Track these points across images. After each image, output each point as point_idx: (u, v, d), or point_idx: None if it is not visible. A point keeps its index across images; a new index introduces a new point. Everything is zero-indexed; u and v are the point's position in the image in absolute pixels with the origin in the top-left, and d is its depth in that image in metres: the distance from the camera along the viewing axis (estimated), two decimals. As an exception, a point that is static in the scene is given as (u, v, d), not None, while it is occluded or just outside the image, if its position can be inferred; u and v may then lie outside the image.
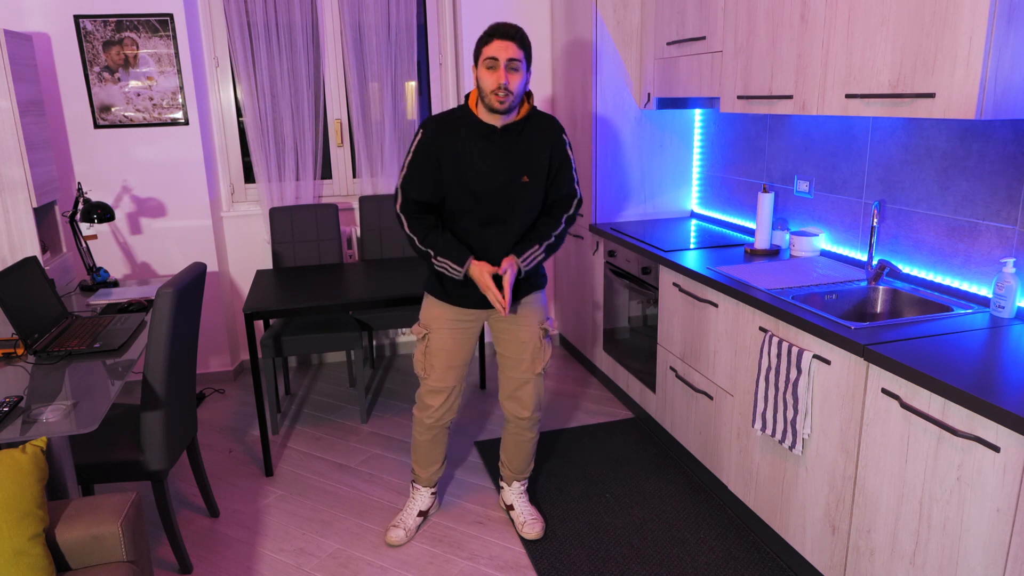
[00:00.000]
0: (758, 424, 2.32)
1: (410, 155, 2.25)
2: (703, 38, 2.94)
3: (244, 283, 4.10)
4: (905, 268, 2.47)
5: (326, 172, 4.14)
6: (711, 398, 2.70)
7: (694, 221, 3.70)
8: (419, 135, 2.24)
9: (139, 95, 3.57)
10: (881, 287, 2.40)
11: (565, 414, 3.53)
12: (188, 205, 3.76)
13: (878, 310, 2.41)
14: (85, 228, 3.65)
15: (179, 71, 3.58)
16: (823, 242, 2.87)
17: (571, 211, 2.36)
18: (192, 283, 2.31)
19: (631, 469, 2.99)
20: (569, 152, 2.34)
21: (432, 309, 2.40)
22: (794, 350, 2.14)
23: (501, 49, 2.10)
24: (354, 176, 4.17)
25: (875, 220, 2.47)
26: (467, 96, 2.26)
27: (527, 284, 2.38)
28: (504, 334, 2.44)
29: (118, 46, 3.50)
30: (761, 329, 2.33)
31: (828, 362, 2.04)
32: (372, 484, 2.94)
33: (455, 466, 3.06)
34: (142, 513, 1.84)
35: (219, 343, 3.99)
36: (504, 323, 2.42)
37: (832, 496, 2.08)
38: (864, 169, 2.61)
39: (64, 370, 2.15)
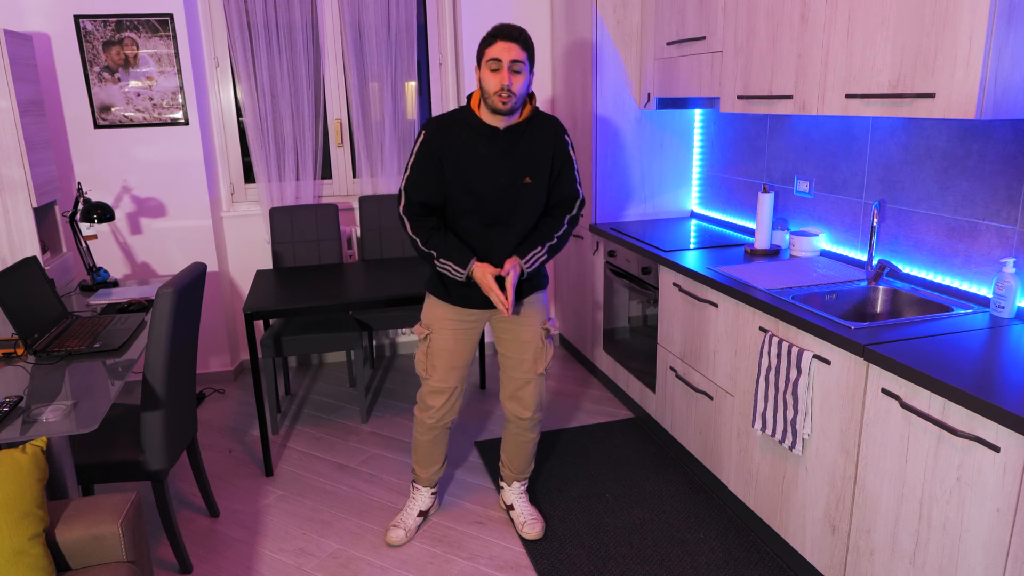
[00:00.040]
0: (758, 424, 2.32)
1: (413, 157, 2.25)
2: (703, 38, 2.94)
3: (244, 283, 4.10)
4: (905, 268, 2.48)
5: (326, 172, 4.14)
6: (711, 398, 2.70)
7: (694, 221, 3.70)
8: (421, 136, 2.24)
9: (139, 95, 3.57)
10: (881, 287, 2.40)
11: (565, 414, 3.53)
12: (188, 205, 3.76)
13: (878, 310, 2.41)
14: (85, 228, 3.65)
15: (179, 71, 3.58)
16: (823, 242, 2.87)
17: (574, 211, 2.36)
18: (192, 283, 2.31)
19: (631, 469, 2.99)
20: (571, 153, 2.34)
21: (434, 309, 2.40)
22: (794, 350, 2.14)
23: (504, 50, 2.10)
24: (354, 176, 4.17)
25: (875, 220, 2.47)
26: (469, 97, 2.26)
27: (529, 284, 2.38)
28: (506, 334, 2.44)
29: (118, 46, 3.50)
30: (761, 329, 2.33)
31: (828, 362, 2.04)
32: (372, 484, 2.94)
33: (455, 466, 3.06)
34: (142, 513, 1.84)
35: (219, 343, 3.99)
36: (506, 323, 2.42)
37: (832, 496, 2.08)
38: (864, 169, 2.61)
39: (64, 370, 2.15)
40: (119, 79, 3.54)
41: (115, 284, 3.17)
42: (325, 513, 2.74)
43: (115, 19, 3.47)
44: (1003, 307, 2.03)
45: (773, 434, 2.26)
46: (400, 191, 2.28)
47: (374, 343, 4.36)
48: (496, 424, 3.45)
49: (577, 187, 2.36)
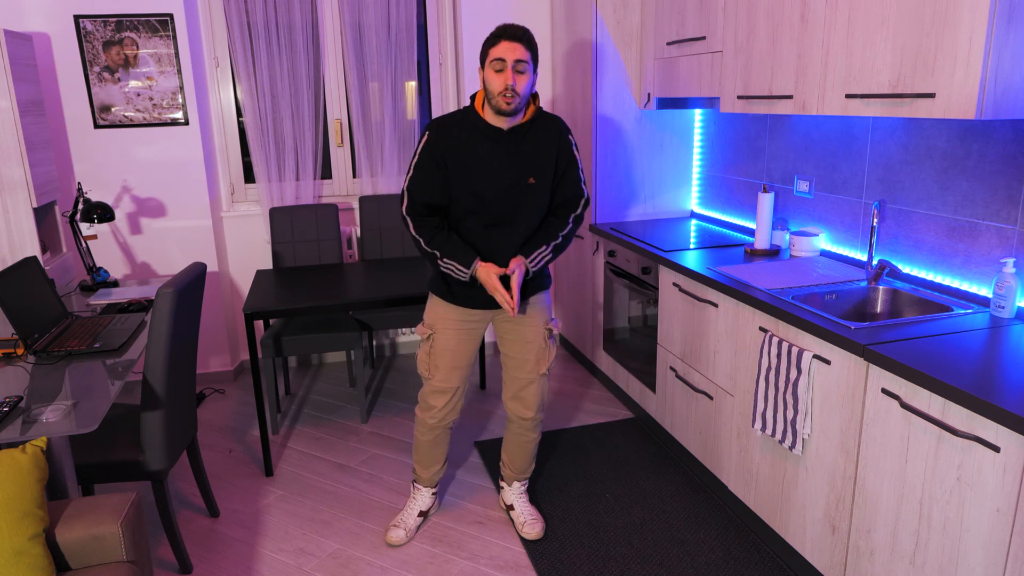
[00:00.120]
0: (758, 424, 2.32)
1: (416, 157, 2.25)
2: (703, 38, 2.94)
3: (244, 283, 4.10)
4: (905, 268, 2.48)
5: (326, 172, 4.14)
6: (711, 398, 2.70)
7: (694, 221, 3.70)
8: (425, 137, 2.24)
9: (139, 95, 3.57)
10: (881, 287, 2.40)
11: (565, 414, 3.53)
12: (188, 205, 3.76)
13: (878, 310, 2.41)
14: (85, 228, 3.65)
15: (179, 71, 3.58)
16: (823, 242, 2.87)
17: (578, 211, 2.35)
18: (192, 283, 2.31)
19: (631, 469, 2.99)
20: (575, 153, 2.33)
21: (437, 309, 2.40)
22: (794, 350, 2.14)
23: (508, 50, 2.09)
24: (354, 176, 4.18)
25: (875, 220, 2.47)
26: (472, 97, 2.26)
27: (533, 284, 2.38)
28: (509, 334, 2.44)
29: (118, 46, 3.50)
30: (761, 329, 2.33)
31: (828, 362, 2.04)
32: (372, 484, 2.94)
33: (455, 466, 3.06)
34: (142, 513, 1.84)
35: (219, 343, 3.99)
36: (509, 323, 2.42)
37: (832, 496, 2.08)
38: (864, 169, 2.61)
39: (64, 370, 2.15)
40: (119, 79, 3.54)
41: (115, 284, 3.17)
42: (325, 513, 2.74)
43: (115, 19, 3.47)
44: (1003, 307, 2.03)
45: (773, 434, 2.26)
46: (403, 191, 2.28)
47: (374, 343, 4.36)
48: (496, 424, 3.45)
49: (582, 187, 2.35)
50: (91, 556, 1.72)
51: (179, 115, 3.64)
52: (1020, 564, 1.52)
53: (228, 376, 4.05)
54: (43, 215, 3.31)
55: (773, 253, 2.92)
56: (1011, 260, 2.01)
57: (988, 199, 2.15)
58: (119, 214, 3.70)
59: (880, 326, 2.00)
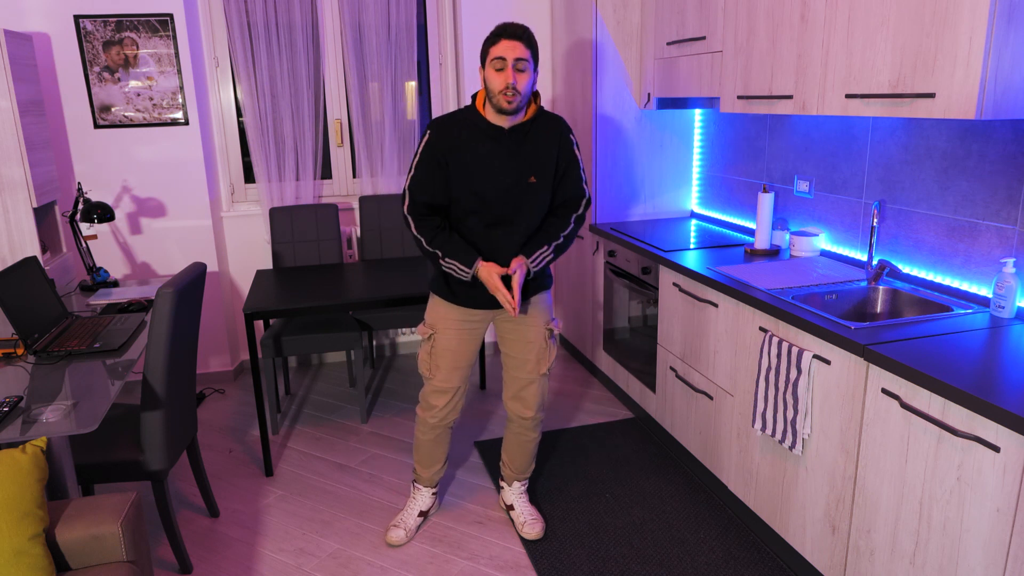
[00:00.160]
0: (758, 424, 2.32)
1: (417, 156, 2.25)
2: (703, 38, 2.94)
3: (244, 283, 4.10)
4: (905, 268, 2.48)
5: (326, 172, 4.14)
6: (711, 398, 2.70)
7: (694, 221, 3.70)
8: (426, 136, 2.24)
9: (139, 95, 3.58)
10: (881, 287, 2.40)
11: (565, 414, 3.53)
12: (188, 205, 3.76)
13: (878, 310, 2.41)
14: (85, 228, 3.65)
15: (179, 71, 3.58)
16: (823, 242, 2.87)
17: (580, 211, 2.35)
18: (192, 283, 2.31)
19: (631, 469, 2.99)
20: (576, 152, 2.33)
21: (438, 309, 2.40)
22: (794, 350, 2.14)
23: (508, 49, 2.10)
24: (354, 176, 4.18)
25: (875, 220, 2.47)
26: (473, 97, 2.26)
27: (534, 284, 2.38)
28: (510, 334, 2.44)
29: (118, 46, 3.50)
30: (761, 329, 2.33)
31: (828, 362, 2.04)
32: (372, 484, 2.94)
33: (455, 466, 3.06)
34: (142, 513, 1.84)
35: (219, 343, 3.99)
36: (510, 323, 2.42)
37: (832, 496, 2.08)
38: (864, 169, 2.61)
39: (64, 370, 2.15)
40: (119, 79, 3.54)
41: (115, 284, 3.17)
42: (325, 513, 2.74)
43: (115, 19, 3.47)
44: (1003, 307, 2.03)
45: (773, 434, 2.26)
46: (404, 191, 2.28)
47: (374, 343, 4.36)
48: (496, 424, 3.45)
49: (583, 186, 2.35)
50: (91, 556, 1.72)
51: (179, 115, 3.64)
52: (1020, 564, 1.52)
53: (228, 376, 4.05)
54: (43, 215, 3.31)
55: (773, 253, 2.92)
56: (1011, 260, 2.01)
57: (988, 199, 2.15)
58: (119, 214, 3.70)
59: (880, 326, 2.00)
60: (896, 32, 1.98)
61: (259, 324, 4.15)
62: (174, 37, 3.54)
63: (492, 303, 2.36)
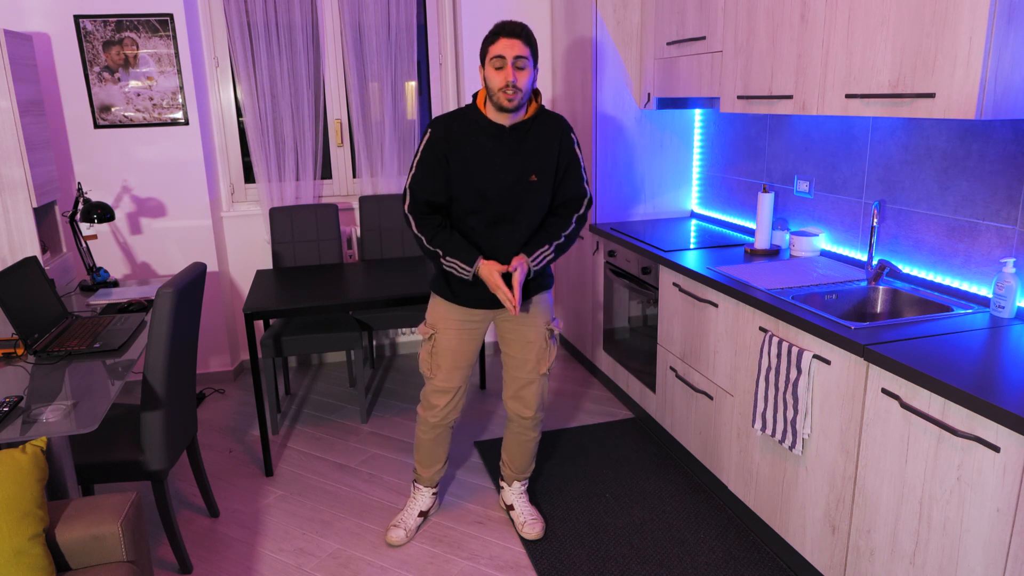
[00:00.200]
0: (758, 424, 2.32)
1: (418, 155, 2.25)
2: (703, 38, 2.94)
3: (244, 283, 4.10)
4: (905, 268, 2.48)
5: (326, 172, 4.14)
6: (711, 398, 2.70)
7: (694, 221, 3.70)
8: (427, 135, 2.24)
9: (139, 95, 3.58)
10: (881, 287, 2.40)
11: (565, 414, 3.53)
12: (188, 205, 3.76)
13: (878, 310, 2.41)
14: (85, 228, 3.65)
15: (179, 71, 3.58)
16: (823, 242, 2.87)
17: (581, 211, 2.34)
18: (192, 283, 2.31)
19: (631, 469, 2.99)
20: (577, 151, 2.33)
21: (439, 309, 2.40)
22: (794, 350, 2.14)
23: (507, 47, 2.10)
24: (354, 176, 4.18)
25: (875, 220, 2.47)
26: (474, 96, 2.26)
27: (534, 284, 2.38)
28: (510, 334, 2.44)
29: (118, 46, 3.50)
30: (761, 329, 2.33)
31: (828, 362, 2.04)
32: (372, 484, 2.94)
33: (455, 466, 3.06)
34: (142, 513, 1.84)
35: (219, 343, 3.99)
36: (511, 323, 2.42)
37: (832, 496, 2.08)
38: (864, 169, 2.61)
39: (64, 370, 2.15)
40: (119, 79, 3.54)
41: (115, 284, 3.17)
42: (325, 513, 2.74)
43: (115, 19, 3.47)
44: (1003, 307, 2.03)
45: (773, 434, 2.26)
46: (405, 189, 2.28)
47: (374, 343, 4.36)
48: (496, 424, 3.45)
49: (584, 186, 2.35)
50: (91, 556, 1.72)
51: (179, 115, 3.64)
52: (1020, 564, 1.52)
53: (228, 376, 4.05)
54: (43, 215, 3.31)
55: (773, 253, 2.92)
56: (1011, 260, 2.01)
57: (988, 199, 2.15)
58: (119, 214, 3.70)
59: (880, 326, 2.00)
60: (896, 32, 1.98)
61: (259, 324, 4.15)
62: (174, 37, 3.54)
63: (492, 303, 2.35)
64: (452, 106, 4.17)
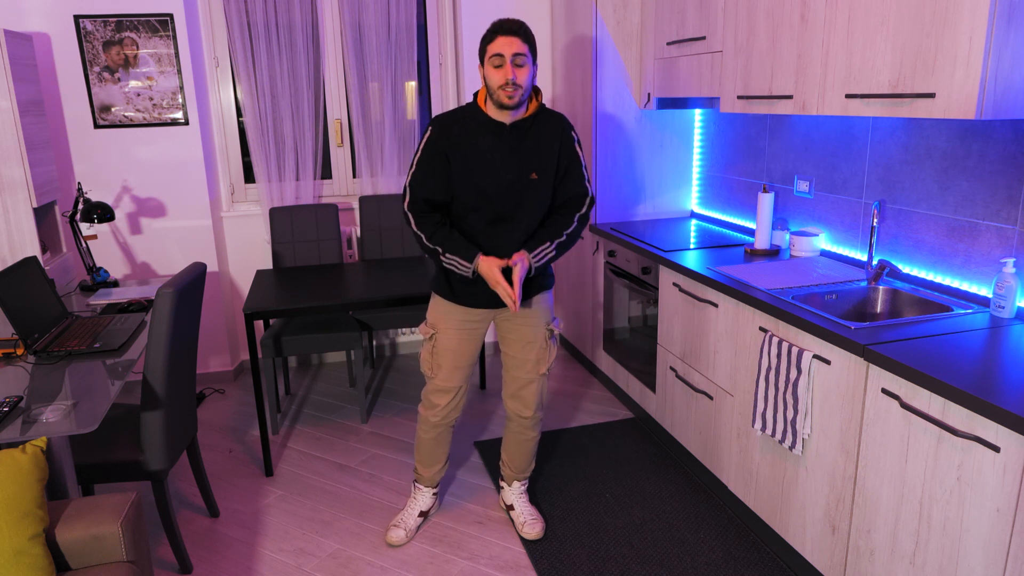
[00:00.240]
0: (758, 424, 2.32)
1: (419, 153, 2.25)
2: (703, 38, 2.94)
3: (244, 283, 4.10)
4: (905, 268, 2.48)
5: (326, 172, 4.14)
6: (711, 398, 2.70)
7: (694, 221, 3.70)
8: (428, 132, 2.24)
9: (139, 95, 3.58)
10: (881, 287, 2.40)
11: (565, 414, 3.53)
12: (188, 205, 3.76)
13: (878, 310, 2.41)
14: (85, 228, 3.65)
15: (179, 71, 3.58)
16: (823, 242, 2.87)
17: (583, 210, 2.33)
18: (192, 283, 2.31)
19: (631, 469, 2.99)
20: (578, 150, 2.32)
21: (439, 309, 2.40)
22: (794, 350, 2.14)
23: (506, 45, 2.10)
24: (354, 176, 4.18)
25: (875, 220, 2.47)
26: (475, 95, 2.26)
27: (535, 284, 2.38)
28: (510, 334, 2.44)
29: (118, 46, 3.50)
30: (761, 329, 2.33)
31: (828, 362, 2.04)
32: (372, 484, 2.94)
33: (456, 466, 3.06)
34: (142, 513, 1.84)
35: (219, 343, 3.99)
36: (511, 323, 2.42)
37: (832, 496, 2.08)
38: (864, 169, 2.61)
39: (64, 370, 2.15)
40: (119, 79, 3.54)
41: (115, 284, 3.17)
42: (325, 513, 2.74)
43: (115, 19, 3.47)
44: (1003, 307, 2.03)
45: (773, 434, 2.26)
46: (405, 187, 2.28)
47: (374, 343, 4.36)
48: (496, 424, 3.45)
49: (586, 185, 2.34)
50: (91, 556, 1.72)
51: (179, 115, 3.64)
52: (1020, 564, 1.52)
53: (228, 376, 4.05)
54: (43, 215, 3.31)
55: (773, 253, 2.92)
56: (1011, 260, 2.01)
57: (988, 199, 2.15)
58: (119, 214, 3.70)
59: (880, 326, 2.00)
60: (896, 32, 1.98)
61: (259, 324, 4.15)
62: (174, 37, 3.54)
63: (492, 302, 2.35)
64: (452, 106, 4.17)
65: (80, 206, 3.28)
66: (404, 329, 4.31)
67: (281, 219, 3.76)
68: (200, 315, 2.54)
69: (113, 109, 3.56)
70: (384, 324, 3.68)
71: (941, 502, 1.70)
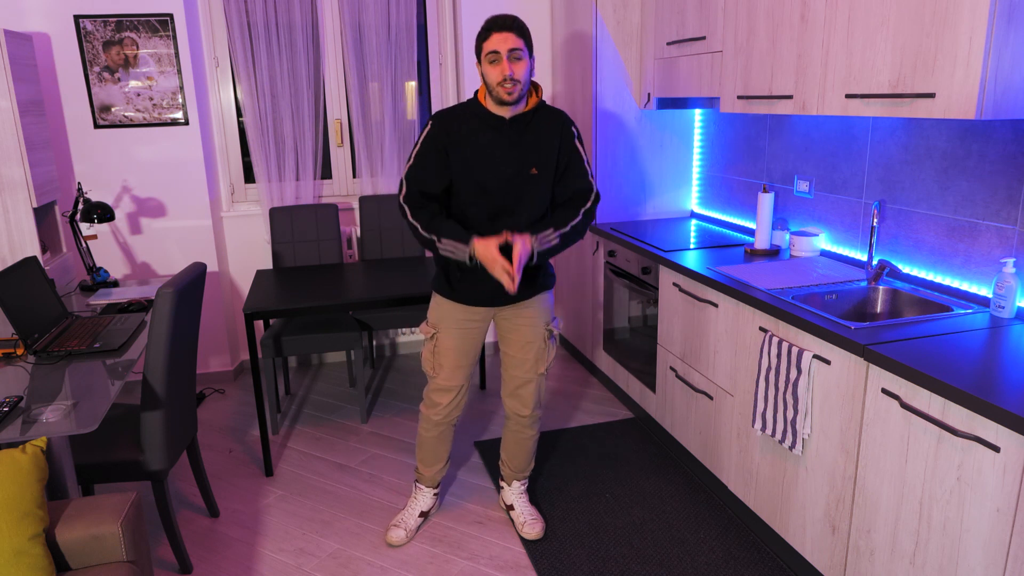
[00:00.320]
0: (758, 424, 2.32)
1: (418, 146, 2.25)
2: (703, 38, 2.94)
3: (244, 283, 4.10)
4: (905, 268, 2.48)
5: (326, 172, 4.14)
6: (711, 398, 2.70)
7: (694, 221, 3.70)
8: (428, 127, 2.25)
9: (139, 95, 3.57)
10: (881, 287, 2.40)
11: (565, 414, 3.53)
12: (188, 205, 3.76)
13: (878, 310, 2.41)
14: (85, 228, 3.65)
15: (179, 71, 3.58)
16: (823, 242, 2.87)
17: (588, 205, 2.30)
18: (192, 283, 2.31)
19: (631, 469, 2.99)
20: (579, 145, 2.31)
21: (440, 308, 2.40)
22: (794, 350, 2.14)
23: (501, 41, 2.10)
24: (354, 176, 4.18)
25: (875, 220, 2.47)
26: (476, 91, 2.27)
27: (536, 284, 2.38)
28: (510, 333, 2.44)
29: (118, 46, 3.50)
30: (761, 329, 2.33)
31: (828, 362, 2.04)
32: (372, 484, 2.94)
33: (456, 466, 3.06)
34: (142, 513, 1.84)
35: (219, 343, 3.99)
36: (510, 322, 2.42)
37: (832, 496, 2.08)
38: (864, 169, 2.61)
39: (64, 370, 2.15)
40: (119, 79, 3.54)
41: (115, 284, 3.17)
42: (325, 513, 2.74)
43: (115, 19, 3.47)
44: (1003, 307, 2.03)
45: (773, 434, 2.26)
46: (402, 180, 2.28)
47: (374, 343, 4.36)
48: (496, 424, 3.45)
49: (590, 179, 2.32)
50: (91, 556, 1.72)
51: (179, 115, 3.64)
52: (1020, 564, 1.52)
53: (228, 376, 4.05)
54: (43, 215, 3.31)
55: (773, 253, 2.92)
56: (1011, 260, 2.01)
57: (988, 199, 2.15)
58: (119, 214, 3.70)
59: (880, 326, 2.00)
60: (896, 32, 1.98)
61: (259, 324, 4.15)
62: (174, 37, 3.54)
63: (492, 300, 2.35)
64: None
65: (80, 206, 3.28)
66: (404, 329, 4.31)
67: (281, 219, 3.76)
68: (200, 315, 2.54)
69: (113, 109, 3.56)
70: (384, 324, 3.68)
71: (941, 502, 1.70)
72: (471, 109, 2.24)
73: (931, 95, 1.87)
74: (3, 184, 2.97)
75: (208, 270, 3.90)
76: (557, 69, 4.03)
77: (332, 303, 2.92)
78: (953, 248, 2.28)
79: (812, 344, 2.10)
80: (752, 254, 2.93)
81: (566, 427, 3.38)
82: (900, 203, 2.46)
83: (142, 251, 3.78)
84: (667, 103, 3.47)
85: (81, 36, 3.45)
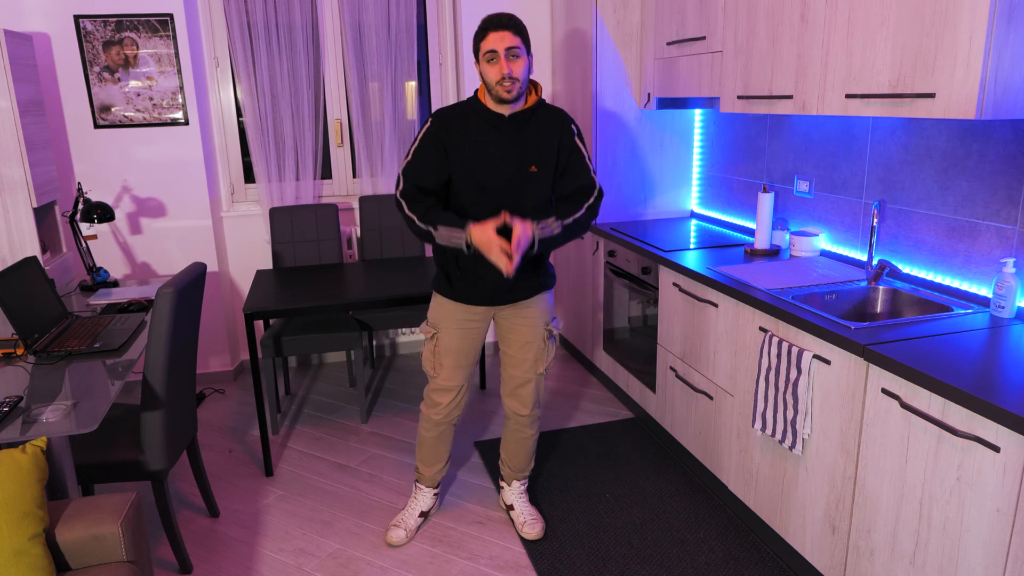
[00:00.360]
0: (758, 424, 2.32)
1: (416, 143, 2.25)
2: (703, 38, 2.94)
3: (244, 283, 4.10)
4: (905, 268, 2.48)
5: (326, 172, 4.14)
6: (711, 398, 2.70)
7: (694, 221, 3.70)
8: (428, 124, 2.25)
9: (139, 95, 3.57)
10: (881, 287, 2.40)
11: (565, 414, 3.53)
12: (188, 205, 3.76)
13: (878, 310, 2.41)
14: (85, 228, 3.65)
15: (179, 71, 3.58)
16: (823, 242, 2.87)
17: (592, 200, 2.28)
18: (192, 283, 2.31)
19: (631, 469, 2.99)
20: (579, 143, 2.30)
21: (440, 308, 2.40)
22: (794, 350, 2.14)
23: (498, 40, 2.10)
24: (354, 176, 4.18)
25: (875, 220, 2.47)
26: (476, 91, 2.27)
27: (536, 284, 2.38)
28: (510, 333, 2.44)
29: (118, 46, 3.50)
30: (761, 329, 2.33)
31: (828, 362, 2.04)
32: (372, 484, 2.94)
33: (456, 466, 3.06)
34: (142, 513, 1.84)
35: (219, 343, 3.99)
36: (510, 322, 2.42)
37: (832, 496, 2.08)
38: (864, 169, 2.61)
39: (64, 370, 2.15)
40: (119, 79, 3.54)
41: (115, 284, 3.17)
42: (325, 513, 2.74)
43: (115, 19, 3.47)
44: (1003, 307, 2.03)
45: (773, 434, 2.26)
46: (399, 175, 2.28)
47: (374, 343, 4.36)
48: (496, 424, 3.45)
49: (592, 176, 2.31)
50: (91, 556, 1.72)
51: (179, 115, 3.64)
52: (1020, 564, 1.52)
53: (228, 376, 4.05)
54: (43, 215, 3.31)
55: (773, 253, 2.92)
56: (1011, 260, 2.01)
57: (988, 199, 2.15)
58: (119, 214, 3.70)
59: (880, 326, 2.00)
60: (896, 32, 1.98)
61: (259, 324, 4.15)
62: (174, 37, 3.54)
63: (492, 299, 2.35)
64: (452, 106, 4.16)
65: (80, 206, 3.28)
66: (404, 329, 4.31)
67: (281, 219, 3.76)
68: (200, 315, 2.54)
69: (113, 109, 3.56)
70: (384, 324, 3.68)
71: (941, 502, 1.70)
72: (471, 107, 2.24)
73: (931, 95, 1.87)
74: (3, 184, 2.97)
75: (208, 270, 3.90)
76: (557, 69, 4.03)
77: (332, 303, 2.92)
78: (953, 248, 2.28)
79: (812, 344, 2.10)
80: (752, 254, 2.93)
81: (566, 427, 3.38)
82: (900, 203, 2.46)
83: (142, 251, 3.78)
84: (667, 103, 3.47)
85: (81, 36, 3.45)
